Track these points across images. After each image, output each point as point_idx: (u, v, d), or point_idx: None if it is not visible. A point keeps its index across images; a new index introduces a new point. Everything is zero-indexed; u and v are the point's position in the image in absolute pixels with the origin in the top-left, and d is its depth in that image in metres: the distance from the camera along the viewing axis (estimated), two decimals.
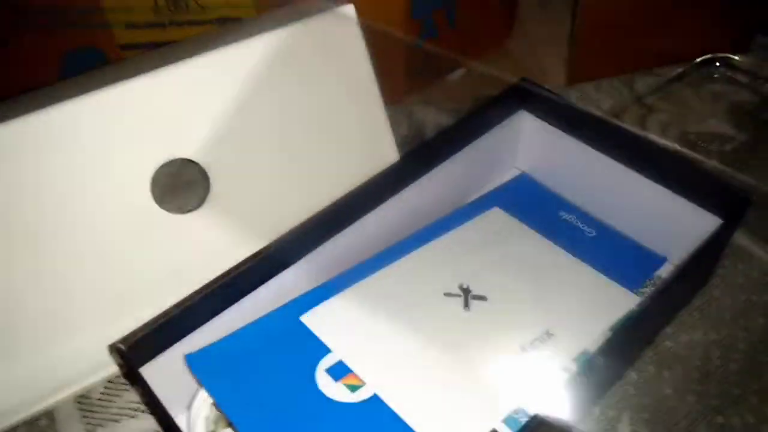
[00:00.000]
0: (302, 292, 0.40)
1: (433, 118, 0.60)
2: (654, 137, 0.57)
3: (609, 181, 0.46)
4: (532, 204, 0.50)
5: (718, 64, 0.64)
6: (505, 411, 0.35)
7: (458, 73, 0.64)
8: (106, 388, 0.42)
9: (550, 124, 0.49)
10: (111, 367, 0.40)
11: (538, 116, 0.49)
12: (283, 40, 0.44)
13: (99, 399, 0.41)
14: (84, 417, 0.40)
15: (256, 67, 0.43)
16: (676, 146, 0.56)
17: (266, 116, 0.44)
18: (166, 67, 0.40)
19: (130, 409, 0.41)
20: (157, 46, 0.52)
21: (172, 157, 0.41)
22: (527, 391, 0.36)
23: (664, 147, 0.55)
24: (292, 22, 0.44)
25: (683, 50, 0.64)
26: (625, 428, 0.39)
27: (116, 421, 0.40)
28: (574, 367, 0.37)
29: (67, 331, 0.40)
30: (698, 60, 0.64)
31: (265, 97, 0.44)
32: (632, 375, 0.41)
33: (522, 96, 0.49)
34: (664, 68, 0.64)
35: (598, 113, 0.58)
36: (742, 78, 0.63)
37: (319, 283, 0.41)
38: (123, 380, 0.42)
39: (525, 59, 0.66)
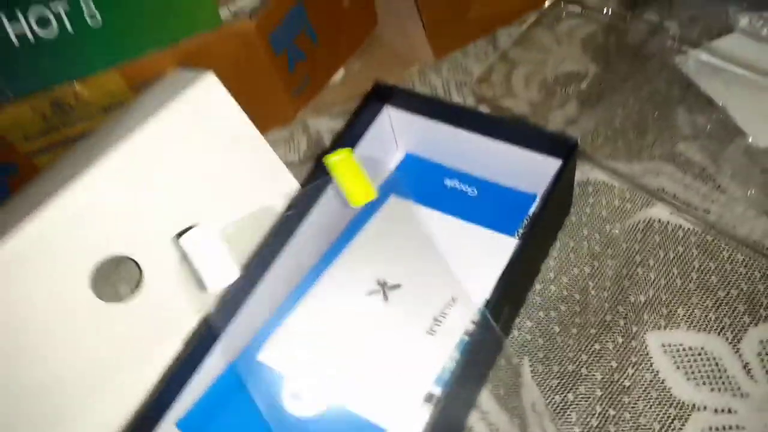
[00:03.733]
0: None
1: (327, 125, 0.66)
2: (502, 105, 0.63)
3: (474, 149, 0.53)
4: (421, 180, 0.56)
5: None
6: (433, 375, 0.43)
7: (339, 75, 0.69)
8: None
9: (411, 112, 0.54)
10: None
11: (401, 109, 0.55)
12: (168, 121, 0.48)
13: None
14: None
15: (151, 153, 0.47)
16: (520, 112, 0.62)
17: (174, 195, 0.49)
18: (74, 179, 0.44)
19: None
20: (60, 143, 0.57)
21: (105, 257, 0.46)
22: (446, 354, 0.44)
23: (508, 118, 0.62)
24: (168, 100, 0.49)
25: None
26: (527, 370, 0.47)
27: None
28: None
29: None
30: (548, 2, 0.68)
31: (169, 178, 0.49)
32: (526, 323, 0.49)
33: (384, 95, 0.54)
34: (524, 16, 0.69)
35: (448, 99, 0.65)
36: (589, 11, 0.68)
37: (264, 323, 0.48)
38: None
39: (395, 41, 0.71)
